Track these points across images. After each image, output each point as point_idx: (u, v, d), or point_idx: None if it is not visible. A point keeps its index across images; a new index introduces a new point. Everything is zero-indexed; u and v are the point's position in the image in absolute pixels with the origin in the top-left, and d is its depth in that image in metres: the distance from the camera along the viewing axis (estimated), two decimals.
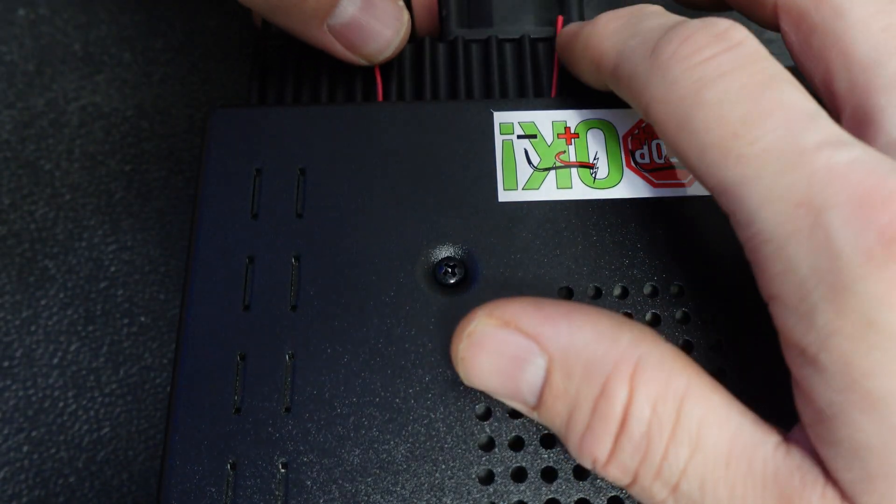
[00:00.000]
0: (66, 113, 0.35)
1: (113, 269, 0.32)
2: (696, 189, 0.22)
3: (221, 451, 0.20)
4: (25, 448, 0.29)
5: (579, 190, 0.23)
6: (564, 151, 0.23)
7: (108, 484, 0.29)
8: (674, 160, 0.23)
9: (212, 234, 0.22)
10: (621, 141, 0.23)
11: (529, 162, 0.23)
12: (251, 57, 0.27)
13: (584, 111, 0.24)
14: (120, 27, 0.37)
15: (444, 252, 0.22)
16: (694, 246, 0.22)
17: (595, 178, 0.23)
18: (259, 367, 0.21)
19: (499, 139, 0.23)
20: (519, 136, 0.23)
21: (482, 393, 0.20)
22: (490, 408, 0.20)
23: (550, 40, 0.27)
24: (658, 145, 0.23)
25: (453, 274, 0.22)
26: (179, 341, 0.21)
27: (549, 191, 0.23)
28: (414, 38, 0.28)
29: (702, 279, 0.21)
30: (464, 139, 0.23)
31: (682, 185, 0.23)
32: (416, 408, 0.20)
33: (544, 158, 0.23)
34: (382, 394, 0.20)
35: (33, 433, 0.29)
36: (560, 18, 0.27)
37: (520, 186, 0.23)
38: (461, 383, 0.20)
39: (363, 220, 0.22)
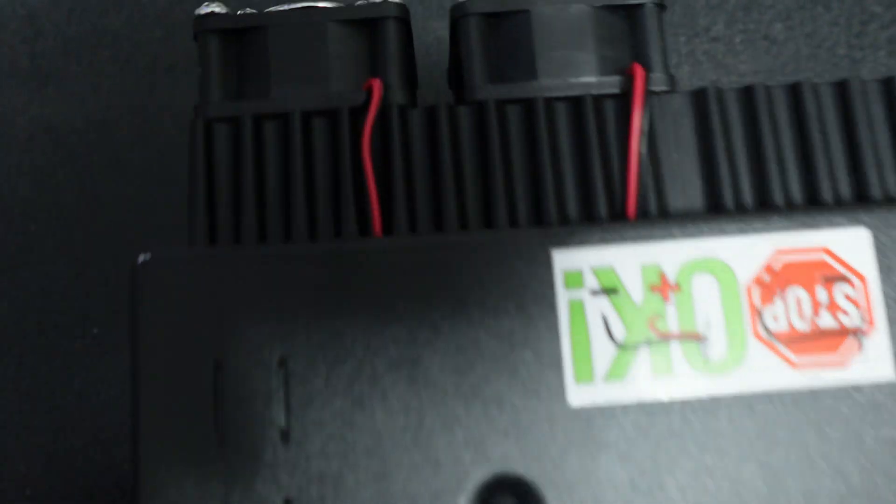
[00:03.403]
0: (15, 126, 0.36)
1: (64, 281, 0.33)
2: (859, 371, 0.15)
3: None
4: None
5: (685, 378, 0.16)
6: (661, 315, 0.16)
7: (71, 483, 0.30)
8: (823, 323, 0.16)
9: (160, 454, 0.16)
10: (743, 293, 0.16)
11: (610, 335, 0.16)
12: (190, 149, 0.19)
13: (685, 241, 0.16)
14: (66, 39, 0.37)
15: (496, 483, 0.15)
16: (859, 462, 0.15)
17: (707, 357, 0.16)
18: None
19: (563, 297, 0.16)
20: (593, 293, 0.16)
21: None
22: None
23: (621, 98, 0.19)
24: (799, 299, 0.16)
25: None
26: None
27: (642, 381, 0.16)
28: (417, 102, 0.20)
29: None
30: (509, 297, 0.16)
31: (839, 365, 0.15)
32: None
33: (632, 329, 0.16)
34: None
35: None
36: (637, 67, 0.19)
37: (598, 376, 0.16)
38: None
39: (377, 443, 0.16)
